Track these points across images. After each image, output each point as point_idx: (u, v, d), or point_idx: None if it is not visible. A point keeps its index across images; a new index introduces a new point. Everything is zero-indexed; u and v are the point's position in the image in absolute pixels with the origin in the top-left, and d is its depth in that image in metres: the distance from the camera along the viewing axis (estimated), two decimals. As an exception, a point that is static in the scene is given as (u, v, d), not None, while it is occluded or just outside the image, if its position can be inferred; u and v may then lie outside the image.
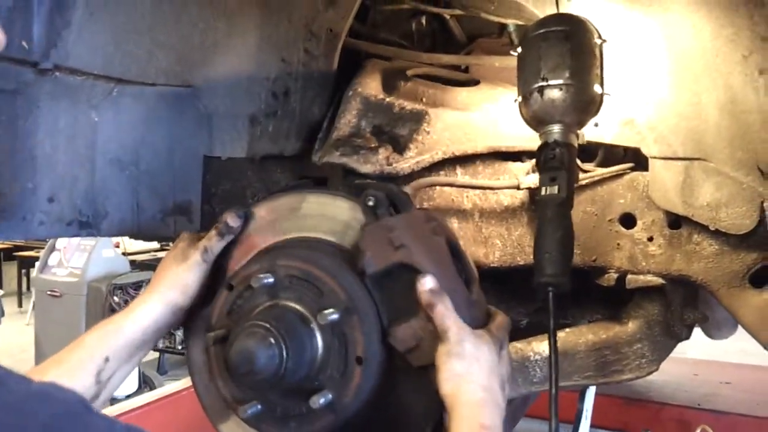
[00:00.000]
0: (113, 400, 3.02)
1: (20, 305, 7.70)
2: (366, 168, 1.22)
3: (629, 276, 1.18)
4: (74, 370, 0.95)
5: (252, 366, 0.84)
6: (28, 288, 7.24)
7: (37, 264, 5.84)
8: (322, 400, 0.87)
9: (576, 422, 1.88)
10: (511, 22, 1.36)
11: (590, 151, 1.24)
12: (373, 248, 0.89)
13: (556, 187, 1.00)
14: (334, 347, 0.89)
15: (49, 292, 5.55)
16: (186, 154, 1.43)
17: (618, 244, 1.18)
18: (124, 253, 5.96)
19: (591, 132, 1.17)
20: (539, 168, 1.03)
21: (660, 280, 1.16)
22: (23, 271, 7.80)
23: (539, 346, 1.23)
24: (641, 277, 1.16)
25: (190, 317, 1.05)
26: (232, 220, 1.00)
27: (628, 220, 1.18)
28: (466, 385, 0.83)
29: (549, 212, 1.00)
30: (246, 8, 1.36)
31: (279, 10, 1.36)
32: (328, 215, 0.96)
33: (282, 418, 0.92)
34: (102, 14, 1.19)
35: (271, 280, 0.90)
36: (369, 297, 0.90)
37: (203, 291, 1.04)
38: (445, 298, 0.86)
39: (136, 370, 4.79)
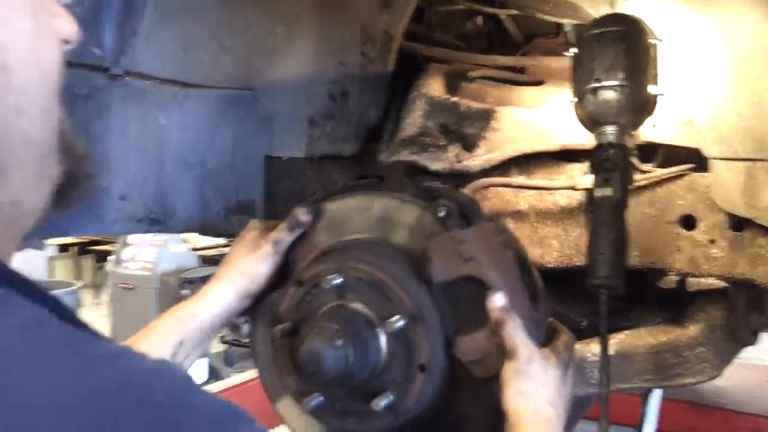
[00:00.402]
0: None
1: (96, 297, 8.06)
2: (436, 165, 1.24)
3: (690, 279, 1.15)
4: (151, 353, 1.00)
5: (320, 366, 0.87)
6: (104, 280, 7.56)
7: (111, 258, 6.10)
8: (383, 402, 0.90)
9: (639, 426, 1.85)
10: (567, 22, 1.35)
11: (649, 151, 1.22)
12: (441, 258, 0.91)
13: (609, 189, 1.00)
14: (398, 352, 0.91)
15: (122, 285, 5.80)
16: (248, 154, 1.48)
17: (678, 247, 1.15)
18: (192, 249, 6.15)
19: (649, 132, 1.16)
20: (593, 169, 1.03)
21: (722, 284, 1.13)
22: (98, 264, 8.15)
23: (597, 348, 1.21)
24: (702, 280, 1.14)
25: (256, 304, 1.09)
26: (302, 215, 1.03)
27: (688, 222, 1.15)
28: (532, 404, 0.85)
29: (602, 214, 1.00)
30: (305, 14, 1.40)
31: (336, 15, 1.39)
32: (397, 220, 0.98)
33: (341, 413, 0.95)
34: (170, 22, 1.24)
35: (340, 281, 0.93)
36: (435, 306, 0.92)
37: (272, 281, 1.07)
38: (514, 316, 0.87)
39: (206, 362, 4.97)
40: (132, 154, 1.30)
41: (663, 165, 1.23)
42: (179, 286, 5.40)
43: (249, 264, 1.04)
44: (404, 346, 0.90)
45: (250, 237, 1.07)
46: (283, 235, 1.03)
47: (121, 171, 1.29)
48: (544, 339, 0.94)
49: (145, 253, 5.88)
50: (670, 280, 1.16)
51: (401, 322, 0.89)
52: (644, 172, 1.17)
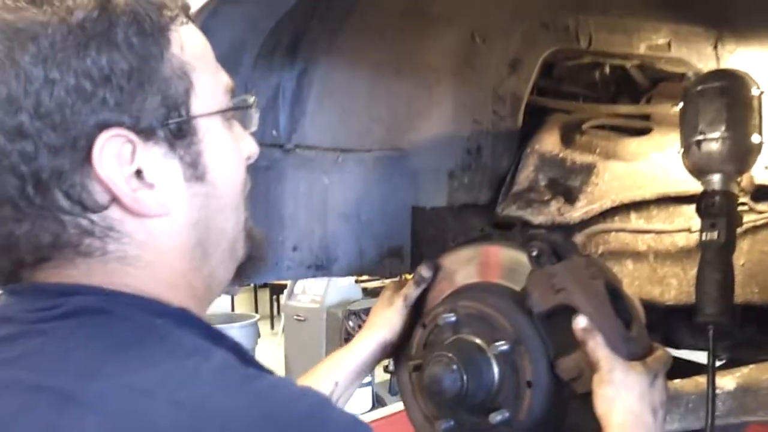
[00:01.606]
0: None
1: (272, 327, 8.70)
2: (539, 219, 1.38)
3: (812, 314, 1.19)
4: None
5: (440, 387, 1.05)
6: (278, 312, 8.16)
7: (285, 291, 6.64)
8: (499, 417, 1.05)
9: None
10: (688, 71, 1.44)
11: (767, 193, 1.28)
12: (538, 291, 1.05)
13: (715, 233, 1.08)
14: (507, 373, 1.06)
15: (295, 317, 6.26)
16: (397, 205, 1.70)
17: (796, 283, 1.20)
18: (356, 281, 6.54)
19: (761, 175, 1.22)
20: (700, 215, 1.12)
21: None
22: (274, 297, 8.82)
23: (721, 381, 1.28)
24: (824, 314, 1.17)
25: (397, 349, 1.30)
26: (425, 271, 1.23)
27: (806, 260, 1.20)
28: (616, 407, 0.95)
29: (708, 256, 1.08)
30: (443, 80, 1.60)
31: (470, 79, 1.58)
32: (499, 264, 1.15)
33: None
34: (329, 102, 1.50)
35: (453, 318, 1.10)
36: (536, 332, 1.06)
37: (407, 329, 1.28)
38: (596, 334, 0.99)
39: (371, 390, 5.27)
40: (302, 212, 1.56)
41: (784, 204, 1.28)
42: (345, 318, 5.76)
43: (386, 317, 1.24)
44: (512, 367, 1.05)
45: (387, 295, 1.28)
46: (411, 290, 1.22)
47: (294, 226, 1.56)
48: (642, 356, 1.03)
49: (314, 287, 6.34)
50: (792, 315, 1.21)
51: (505, 347, 1.04)
52: (760, 212, 1.23)
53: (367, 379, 5.20)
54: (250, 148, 0.79)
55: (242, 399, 0.61)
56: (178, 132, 0.68)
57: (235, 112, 0.76)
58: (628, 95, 1.67)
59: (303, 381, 1.22)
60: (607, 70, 1.69)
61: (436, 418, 1.13)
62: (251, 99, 0.77)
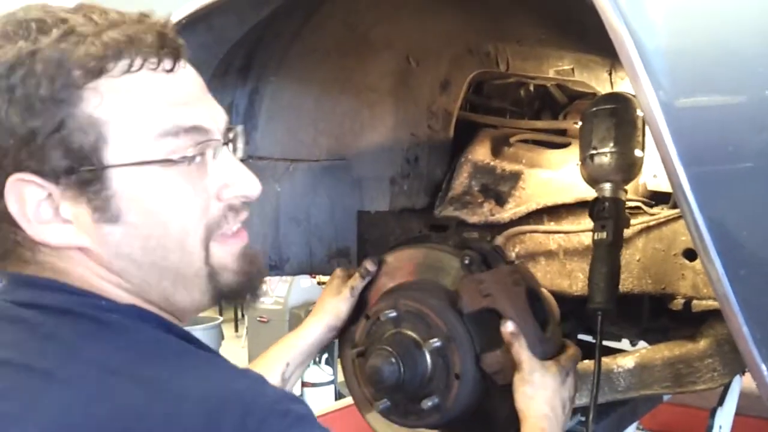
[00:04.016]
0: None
1: (236, 330, 8.75)
2: (473, 219, 1.56)
3: (694, 301, 1.38)
4: (267, 371, 1.34)
5: (380, 377, 1.19)
6: (243, 316, 8.22)
7: (248, 294, 6.71)
8: (430, 403, 1.19)
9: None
10: (597, 91, 1.64)
11: (663, 197, 1.47)
12: (467, 295, 1.20)
13: (604, 233, 1.27)
14: (439, 366, 1.20)
15: (258, 318, 6.34)
16: (344, 210, 1.85)
17: (683, 275, 1.39)
18: (319, 283, 6.66)
19: (652, 182, 1.42)
20: (592, 218, 1.30)
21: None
22: (238, 300, 8.86)
23: (622, 360, 1.47)
24: (703, 302, 1.37)
25: (341, 335, 1.45)
26: (370, 265, 1.38)
27: (690, 254, 1.38)
28: (533, 404, 1.10)
29: (598, 253, 1.26)
30: (384, 98, 1.76)
31: (407, 97, 1.75)
32: (436, 266, 1.30)
33: (404, 413, 1.28)
34: (278, 117, 1.66)
35: (394, 314, 1.24)
36: (465, 330, 1.20)
37: (351, 315, 1.43)
38: (521, 338, 1.13)
39: (333, 388, 5.42)
40: (255, 217, 1.71)
41: (675, 207, 1.48)
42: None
43: (334, 305, 1.37)
44: (443, 361, 1.20)
45: (335, 283, 1.41)
46: (357, 282, 1.36)
47: (248, 230, 1.71)
48: (555, 353, 1.20)
49: (277, 289, 6.44)
50: (678, 303, 1.40)
51: (438, 343, 1.19)
52: (652, 214, 1.43)
53: (331, 377, 5.35)
54: (227, 180, 0.80)
55: (192, 378, 0.71)
56: (84, 180, 0.73)
57: (205, 145, 0.77)
58: (550, 111, 1.86)
59: (258, 361, 1.36)
60: (531, 88, 1.88)
61: (375, 399, 1.30)
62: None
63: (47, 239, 0.75)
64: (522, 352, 1.14)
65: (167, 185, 0.76)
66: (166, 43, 0.76)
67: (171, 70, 0.77)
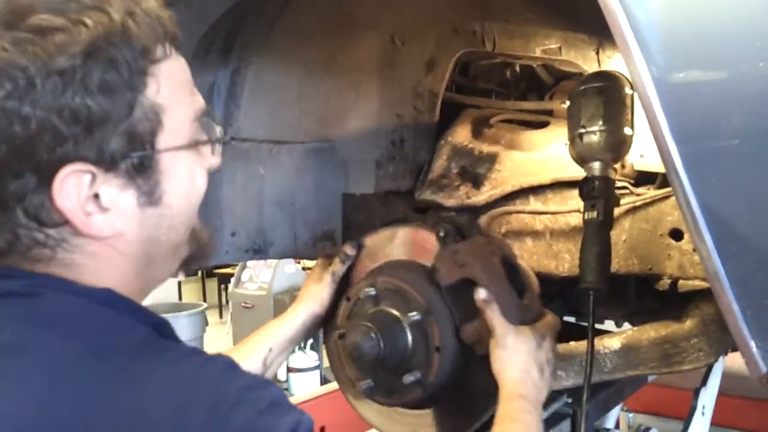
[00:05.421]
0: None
1: (221, 316, 8.72)
2: (450, 202, 1.54)
3: (680, 281, 1.38)
4: (249, 356, 1.36)
5: (360, 352, 1.20)
6: (227, 301, 8.22)
7: (232, 279, 6.72)
8: (411, 378, 1.21)
9: (687, 419, 2.02)
10: (584, 71, 1.62)
11: (649, 177, 1.47)
12: (444, 266, 1.21)
13: (595, 213, 1.26)
14: (418, 339, 1.21)
15: (243, 304, 6.34)
16: (329, 193, 1.83)
17: (669, 255, 1.39)
18: (303, 268, 6.65)
19: (639, 162, 1.41)
20: (582, 197, 1.29)
21: (707, 285, 1.35)
22: (222, 286, 8.86)
23: (608, 342, 1.47)
24: (690, 282, 1.37)
25: (326, 320, 1.44)
26: (349, 250, 1.38)
27: (676, 234, 1.38)
28: (508, 367, 1.11)
29: (589, 232, 1.25)
30: (368, 78, 1.74)
31: (392, 77, 1.73)
32: (412, 243, 1.30)
33: (387, 391, 1.28)
34: (262, 98, 1.63)
35: (373, 292, 1.26)
36: (443, 303, 1.22)
37: (335, 301, 1.42)
38: (493, 304, 1.14)
39: (319, 373, 5.42)
40: (239, 200, 1.69)
41: (662, 187, 1.48)
42: (292, 304, 5.86)
43: (316, 292, 1.39)
44: (422, 334, 1.21)
45: (317, 270, 1.42)
46: (337, 267, 1.38)
47: (232, 213, 1.68)
48: (534, 321, 1.19)
49: (262, 275, 6.43)
50: (665, 283, 1.40)
51: (417, 316, 1.20)
52: (639, 194, 1.42)
53: (316, 363, 5.35)
54: (214, 164, 0.85)
55: (159, 365, 0.69)
56: (139, 166, 0.73)
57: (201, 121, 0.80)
58: (536, 92, 1.85)
59: (240, 346, 1.36)
60: (517, 68, 1.86)
61: (358, 380, 1.29)
62: (218, 130, 0.83)
63: (97, 231, 0.73)
64: (494, 317, 1.15)
65: (195, 165, 0.80)
66: (173, 25, 0.78)
67: (178, 53, 0.80)
